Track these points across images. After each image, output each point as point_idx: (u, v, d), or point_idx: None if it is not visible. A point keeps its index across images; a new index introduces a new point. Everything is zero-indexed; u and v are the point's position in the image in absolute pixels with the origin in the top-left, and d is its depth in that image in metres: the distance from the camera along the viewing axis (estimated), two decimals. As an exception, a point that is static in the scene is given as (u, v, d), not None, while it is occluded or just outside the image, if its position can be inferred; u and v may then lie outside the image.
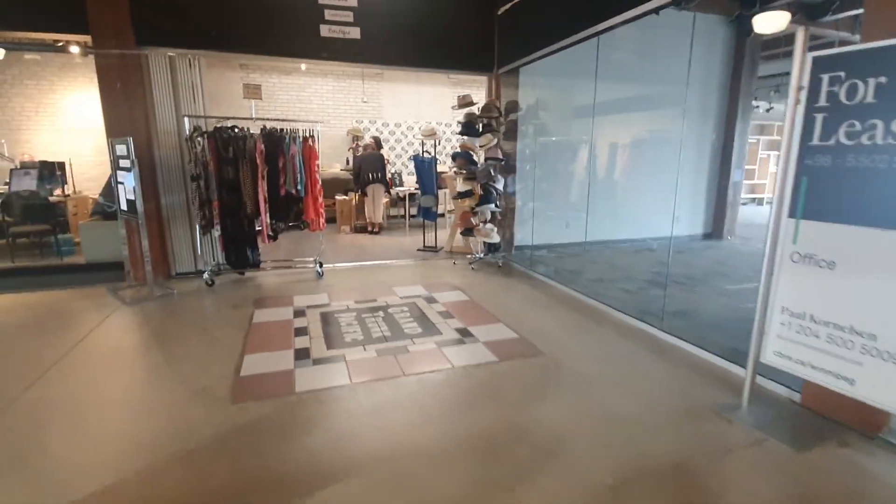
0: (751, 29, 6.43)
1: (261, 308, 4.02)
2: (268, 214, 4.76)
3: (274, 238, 4.96)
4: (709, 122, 7.30)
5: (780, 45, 7.83)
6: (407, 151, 10.04)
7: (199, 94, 4.88)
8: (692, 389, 2.66)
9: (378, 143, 7.95)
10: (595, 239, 6.87)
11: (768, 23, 4.51)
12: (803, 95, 2.14)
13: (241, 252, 4.87)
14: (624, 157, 7.07)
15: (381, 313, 3.90)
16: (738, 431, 2.28)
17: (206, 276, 4.75)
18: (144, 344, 3.30)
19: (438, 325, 3.62)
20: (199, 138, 4.50)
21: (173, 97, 4.79)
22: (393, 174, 9.22)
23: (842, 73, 2.00)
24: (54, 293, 4.50)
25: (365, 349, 3.16)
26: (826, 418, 2.37)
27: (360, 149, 8.48)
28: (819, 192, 2.11)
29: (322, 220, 5.12)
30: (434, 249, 6.49)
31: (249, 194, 4.68)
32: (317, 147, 4.98)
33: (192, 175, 4.55)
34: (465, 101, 5.56)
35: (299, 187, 4.84)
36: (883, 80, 1.87)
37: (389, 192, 7.98)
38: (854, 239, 2.00)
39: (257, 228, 4.89)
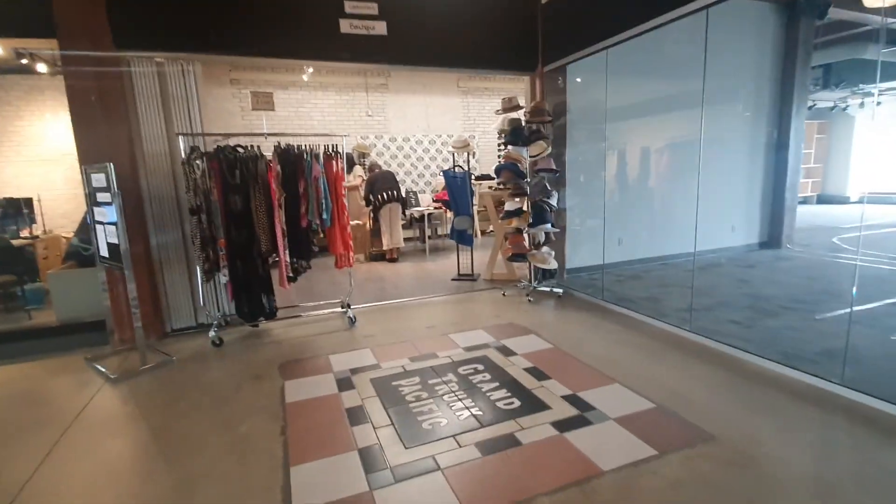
0: (824, 12, 5.78)
1: (292, 378, 3.07)
2: (287, 251, 3.84)
3: (294, 280, 4.03)
4: (762, 118, 6.61)
5: (833, 31, 7.23)
6: (416, 168, 9.20)
7: (194, 107, 3.96)
8: (972, 493, 1.80)
9: (376, 167, 7.28)
10: (648, 255, 6.08)
11: None
12: None
13: (254, 300, 3.92)
14: (674, 161, 6.30)
15: (450, 376, 2.98)
16: None
17: (212, 333, 3.78)
18: (142, 456, 2.32)
19: (537, 393, 2.71)
20: (198, 161, 3.57)
21: (163, 112, 3.87)
22: (407, 192, 8.36)
23: None
24: (15, 368, 3.49)
25: (458, 443, 2.24)
26: None
27: (365, 168, 7.65)
28: None
29: (352, 255, 4.21)
30: (472, 278, 5.60)
31: (264, 227, 3.75)
32: (342, 166, 4.09)
33: (191, 207, 3.61)
34: (510, 105, 4.74)
35: (325, 216, 3.93)
36: None
37: (406, 213, 7.09)
38: None
39: (274, 260, 3.96)
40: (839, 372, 2.70)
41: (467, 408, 2.57)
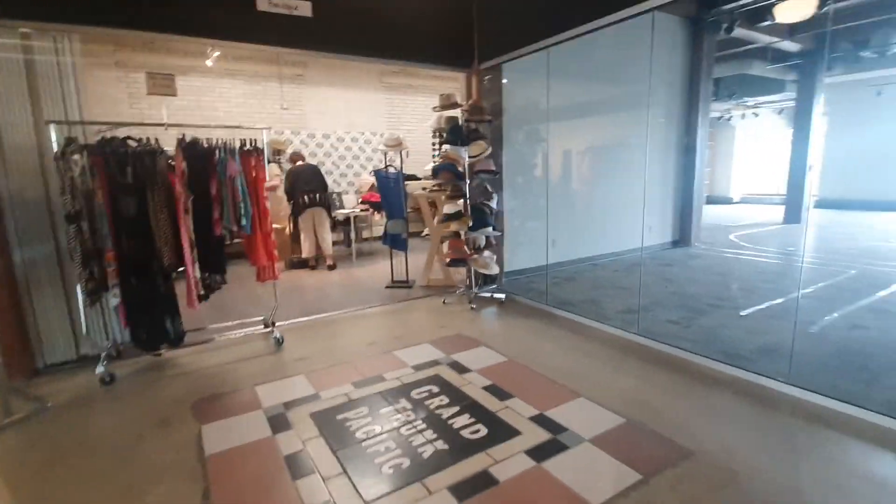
0: (731, 28, 6.24)
1: (210, 420, 2.53)
2: (196, 265, 3.24)
3: (205, 298, 3.43)
4: (672, 125, 7.05)
5: (731, 46, 7.91)
6: (338, 167, 8.64)
7: (71, 91, 3.19)
8: (929, 488, 1.87)
9: (299, 158, 6.50)
10: (579, 256, 6.20)
11: (795, 11, 4.17)
12: None
13: (156, 324, 3.25)
14: (601, 163, 6.49)
15: (404, 402, 2.65)
16: None
17: (100, 368, 3.06)
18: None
19: (503, 416, 2.48)
20: (76, 156, 2.86)
21: (29, 96, 3.06)
22: (329, 193, 7.78)
23: None
24: None
25: (428, 489, 1.93)
26: None
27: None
28: None
29: (276, 267, 3.68)
30: (407, 285, 5.28)
31: (166, 237, 3.12)
32: (264, 164, 3.56)
33: (68, 213, 2.89)
34: (448, 102, 4.49)
35: (244, 222, 3.38)
36: None
37: (332, 216, 6.56)
38: None
39: (179, 274, 3.33)
40: (780, 369, 2.81)
41: (430, 441, 2.26)
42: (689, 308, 4.25)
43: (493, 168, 4.53)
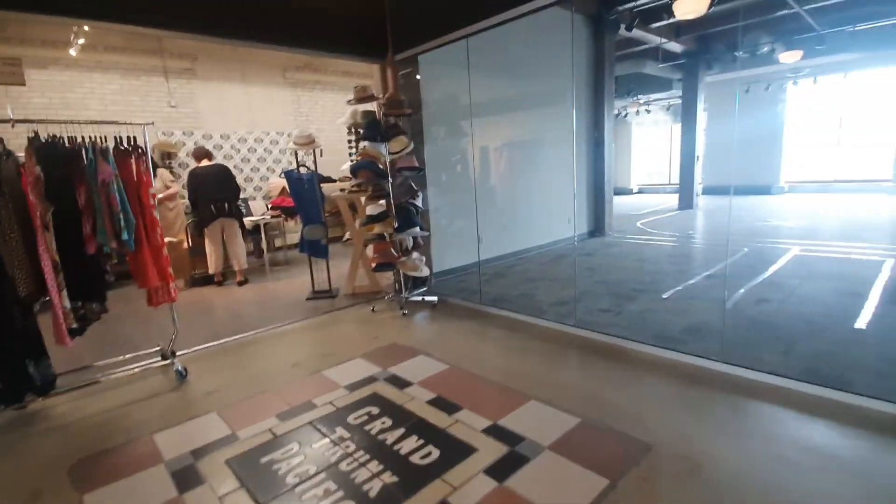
0: (630, 26, 6.55)
1: (95, 486, 2.01)
2: (64, 292, 2.63)
3: (80, 332, 2.82)
4: (582, 119, 7.32)
5: (628, 46, 8.38)
6: (242, 170, 7.89)
7: None
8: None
9: (204, 156, 5.63)
10: (507, 251, 6.18)
11: (690, 6, 4.42)
12: None
13: (13, 370, 2.58)
14: (522, 158, 6.53)
15: (340, 431, 2.32)
16: None
17: (-69, 437, 2.36)
18: None
19: (454, 432, 2.26)
20: None
21: None
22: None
23: None
24: None
25: (381, 535, 1.65)
26: None
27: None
28: None
29: (172, 286, 3.13)
30: (331, 294, 4.87)
31: (20, 259, 2.49)
32: (148, 165, 3.00)
33: None
34: (365, 94, 4.15)
35: (125, 236, 2.81)
36: None
37: (244, 226, 5.88)
38: None
39: (44, 304, 2.69)
40: (710, 348, 2.90)
41: (376, 475, 1.97)
42: (617, 295, 4.35)
43: (417, 164, 4.30)
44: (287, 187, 5.16)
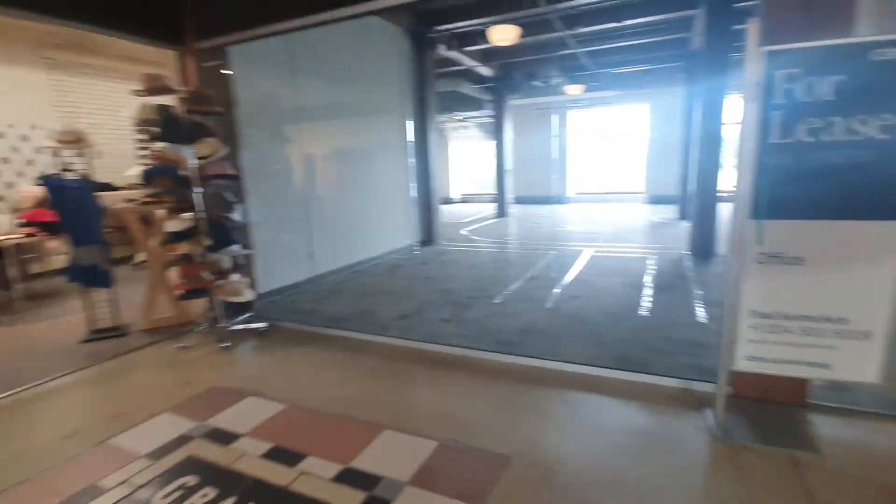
0: (450, 46, 6.84)
1: None
2: None
3: None
4: (405, 131, 7.42)
5: (447, 65, 8.81)
6: (-29, 174, 5.85)
7: None
8: (676, 429, 2.30)
9: None
10: (341, 265, 5.87)
11: (503, 34, 4.77)
12: (756, 92, 2.02)
13: None
14: (349, 168, 6.27)
15: (141, 520, 1.76)
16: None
17: None
18: None
19: (299, 488, 1.91)
20: None
21: None
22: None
23: (798, 70, 1.97)
24: None
25: None
26: (764, 401, 2.45)
27: None
28: (783, 191, 2.06)
29: None
30: (118, 332, 3.87)
31: None
32: None
33: None
34: (158, 84, 3.38)
35: None
36: (840, 77, 1.92)
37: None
38: (821, 233, 2.02)
39: None
40: (543, 348, 3.13)
41: (199, 572, 1.52)
42: (455, 303, 4.46)
43: (232, 171, 3.72)
44: (48, 197, 3.95)
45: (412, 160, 7.46)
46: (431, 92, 7.61)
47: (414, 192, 7.55)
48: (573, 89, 10.25)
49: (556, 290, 4.74)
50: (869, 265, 1.97)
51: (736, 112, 2.27)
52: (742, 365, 2.22)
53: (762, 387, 2.43)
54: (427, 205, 7.79)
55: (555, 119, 13.84)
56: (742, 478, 1.91)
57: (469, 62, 8.97)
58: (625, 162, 13.94)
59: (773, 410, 2.37)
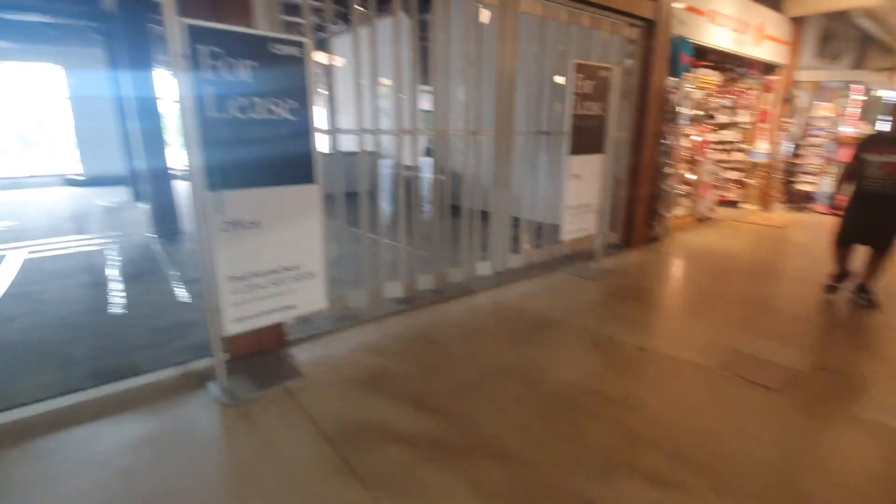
0: None
1: None
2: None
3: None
4: None
5: None
6: None
7: None
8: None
9: None
10: None
11: None
12: (184, 64, 2.00)
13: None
14: None
15: None
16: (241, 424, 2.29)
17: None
18: None
19: None
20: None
21: None
22: None
23: (220, 49, 2.08)
24: None
25: None
26: (258, 354, 2.73)
27: None
28: (230, 163, 2.21)
29: None
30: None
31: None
32: None
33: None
34: None
35: None
36: (253, 63, 2.19)
37: None
38: (267, 198, 2.36)
39: None
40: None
41: None
42: None
43: None
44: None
45: None
46: None
47: None
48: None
49: (-27, 318, 3.31)
50: (303, 220, 2.51)
51: (171, 86, 2.22)
52: (231, 328, 2.36)
53: (253, 342, 2.70)
54: None
55: None
56: (256, 428, 2.09)
57: None
58: (47, 138, 11.11)
59: (266, 359, 2.70)
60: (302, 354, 2.75)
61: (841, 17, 7.78)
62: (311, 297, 2.61)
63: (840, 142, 7.32)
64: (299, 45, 2.34)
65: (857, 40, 8.74)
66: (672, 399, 2.39)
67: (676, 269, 4.86)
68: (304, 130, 2.40)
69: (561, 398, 2.37)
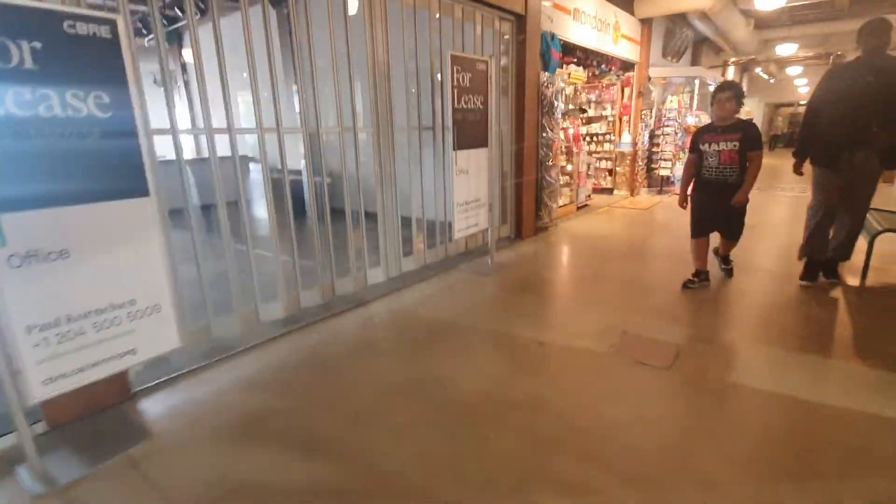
0: None
1: None
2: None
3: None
4: None
5: None
6: None
7: None
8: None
9: None
10: None
11: None
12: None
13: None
14: None
15: None
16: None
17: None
18: None
19: None
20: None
21: None
22: None
23: None
24: None
25: None
26: (92, 414, 2.16)
27: None
28: (17, 175, 1.66)
29: None
30: None
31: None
32: None
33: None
34: None
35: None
36: (38, 44, 1.65)
37: None
38: (80, 218, 1.83)
39: None
40: None
41: None
42: None
43: None
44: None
45: None
46: None
47: None
48: None
49: None
50: (136, 243, 2.01)
51: None
52: (42, 392, 1.81)
53: (83, 401, 2.14)
54: None
55: None
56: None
57: None
58: None
59: (103, 419, 2.15)
60: (154, 407, 2.23)
61: (681, 18, 8.74)
62: (156, 337, 2.11)
63: (688, 131, 8.26)
64: (109, 22, 1.85)
65: (693, 41, 9.94)
66: (574, 394, 2.34)
67: (564, 256, 5.03)
68: (123, 131, 1.90)
69: (465, 411, 2.20)
